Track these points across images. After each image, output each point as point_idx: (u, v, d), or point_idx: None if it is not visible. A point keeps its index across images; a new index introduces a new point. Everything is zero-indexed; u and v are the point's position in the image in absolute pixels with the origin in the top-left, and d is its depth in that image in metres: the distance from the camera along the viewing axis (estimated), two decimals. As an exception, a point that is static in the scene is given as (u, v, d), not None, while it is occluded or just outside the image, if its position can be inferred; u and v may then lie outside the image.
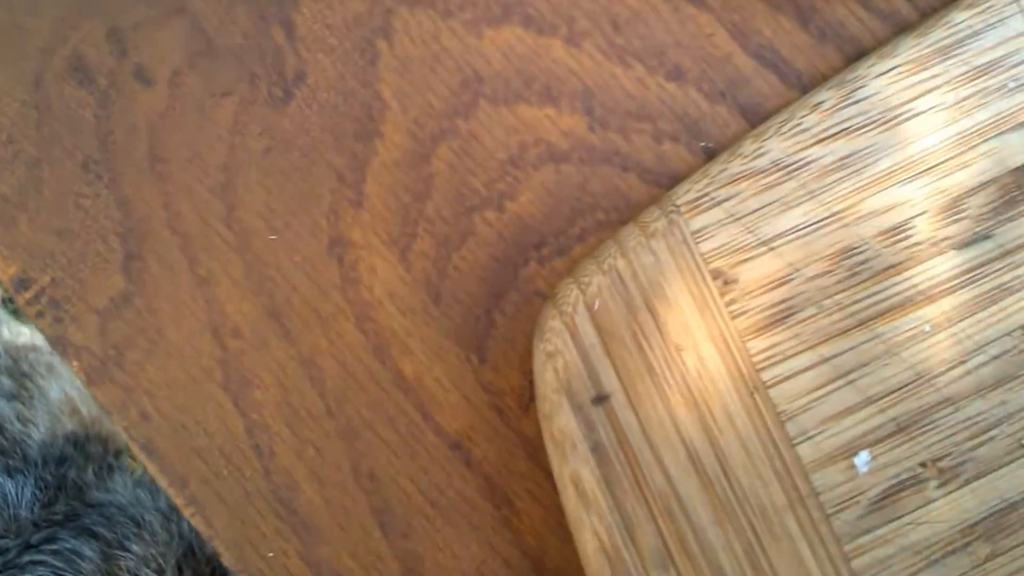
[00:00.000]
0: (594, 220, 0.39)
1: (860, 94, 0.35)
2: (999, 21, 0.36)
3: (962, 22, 0.36)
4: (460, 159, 0.39)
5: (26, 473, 0.66)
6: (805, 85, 0.39)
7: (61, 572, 0.61)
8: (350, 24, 0.39)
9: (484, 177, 0.39)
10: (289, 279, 0.38)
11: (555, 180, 0.39)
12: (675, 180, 0.38)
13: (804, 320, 0.33)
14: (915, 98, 0.35)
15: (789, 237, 0.34)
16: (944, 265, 0.34)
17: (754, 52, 0.39)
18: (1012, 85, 0.35)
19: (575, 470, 0.32)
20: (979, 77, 0.35)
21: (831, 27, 0.39)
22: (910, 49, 0.36)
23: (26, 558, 0.61)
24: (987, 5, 0.36)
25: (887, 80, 0.35)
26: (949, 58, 0.36)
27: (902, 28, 0.39)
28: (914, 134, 0.35)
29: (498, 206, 0.39)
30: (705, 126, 0.39)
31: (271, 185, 0.39)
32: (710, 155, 0.39)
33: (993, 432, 0.33)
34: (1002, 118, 0.35)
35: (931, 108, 0.35)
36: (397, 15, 0.39)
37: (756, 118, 0.39)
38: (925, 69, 0.35)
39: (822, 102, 0.35)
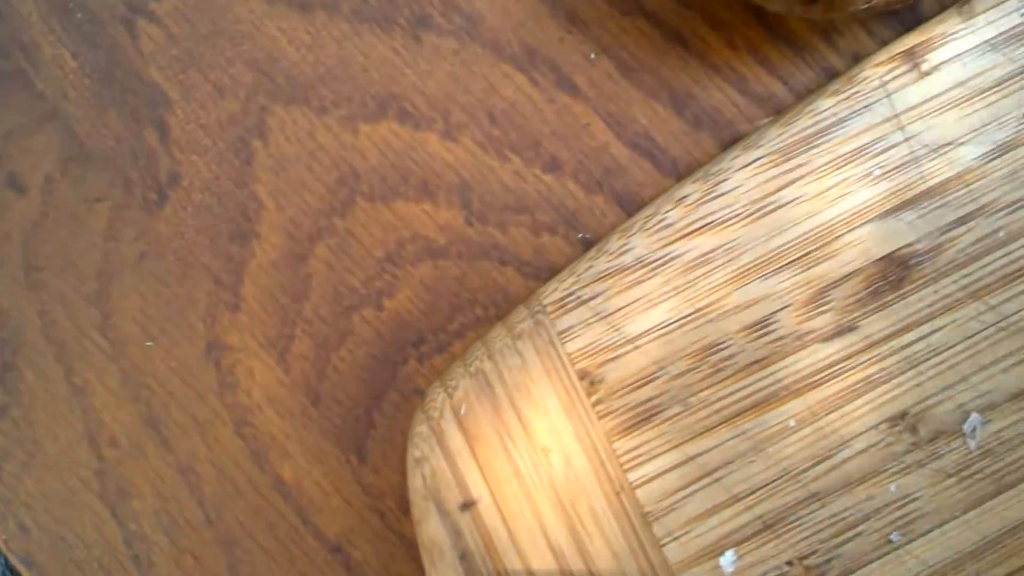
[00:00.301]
0: (473, 315, 0.38)
1: (724, 187, 0.35)
2: (865, 107, 0.36)
3: (827, 110, 0.36)
4: (337, 258, 0.39)
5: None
6: (680, 172, 0.39)
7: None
8: (224, 124, 0.39)
9: (362, 275, 0.38)
10: (166, 385, 0.38)
11: (433, 276, 0.38)
12: (553, 272, 0.38)
13: (669, 419, 0.33)
14: (779, 189, 0.35)
15: (654, 335, 0.34)
16: (809, 359, 0.34)
17: (630, 141, 0.39)
18: (877, 172, 0.36)
19: (443, 579, 0.32)
20: (844, 166, 0.36)
21: (706, 113, 0.39)
22: (775, 139, 0.36)
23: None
24: (853, 91, 0.36)
25: (751, 172, 0.35)
26: (814, 147, 0.36)
27: (778, 111, 0.39)
28: (778, 226, 0.35)
29: (376, 304, 0.38)
30: (582, 217, 0.39)
31: (146, 291, 0.38)
32: (588, 246, 0.39)
33: (860, 528, 0.33)
34: (867, 207, 0.35)
35: (795, 199, 0.35)
36: (272, 113, 0.39)
37: (633, 207, 0.39)
38: (789, 159, 0.35)
39: (686, 196, 0.35)
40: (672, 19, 0.39)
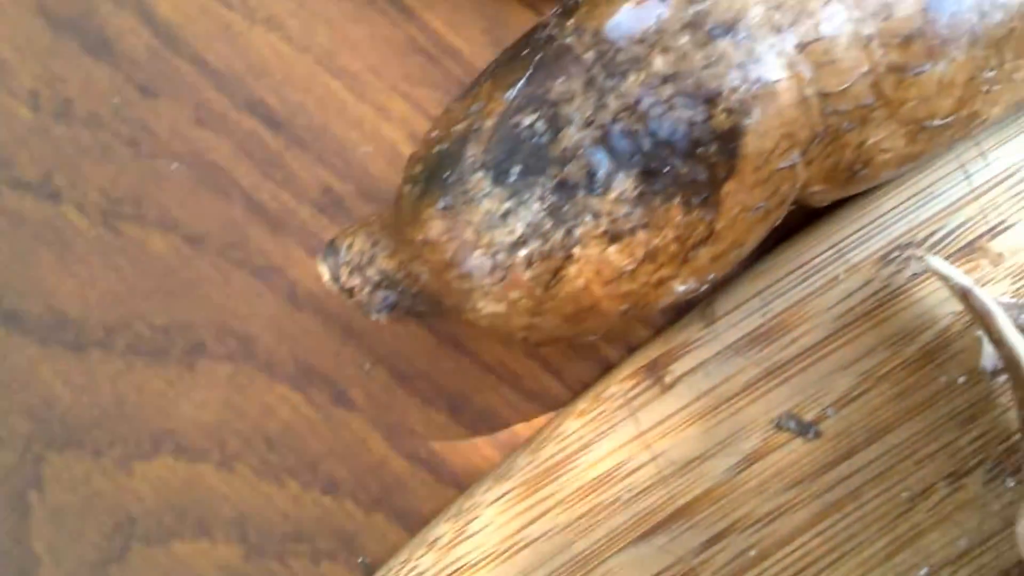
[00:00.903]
0: (252, 657, 0.38)
1: (475, 525, 0.35)
2: (610, 428, 0.36)
3: (573, 433, 0.36)
4: (116, 607, 0.38)
5: None
6: (461, 482, 0.39)
7: None
8: (0, 479, 0.39)
9: (140, 622, 0.38)
10: None
11: (211, 617, 0.38)
12: (332, 603, 0.38)
13: None
14: (529, 524, 0.35)
15: None
16: None
17: (408, 453, 0.39)
18: (626, 496, 0.35)
19: None
20: (593, 492, 0.35)
21: (483, 416, 0.39)
22: (524, 469, 0.35)
23: None
24: (599, 411, 0.36)
25: (501, 506, 0.35)
26: (562, 474, 0.35)
27: (553, 407, 0.39)
28: (528, 565, 0.34)
29: (155, 651, 0.38)
30: (362, 539, 0.39)
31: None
32: (367, 571, 0.38)
33: None
34: (618, 534, 0.35)
35: (545, 533, 0.35)
36: (47, 462, 0.39)
37: (413, 523, 0.39)
38: (538, 491, 0.35)
39: (439, 538, 0.35)
40: (446, 322, 0.38)
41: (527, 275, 0.30)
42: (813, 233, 0.37)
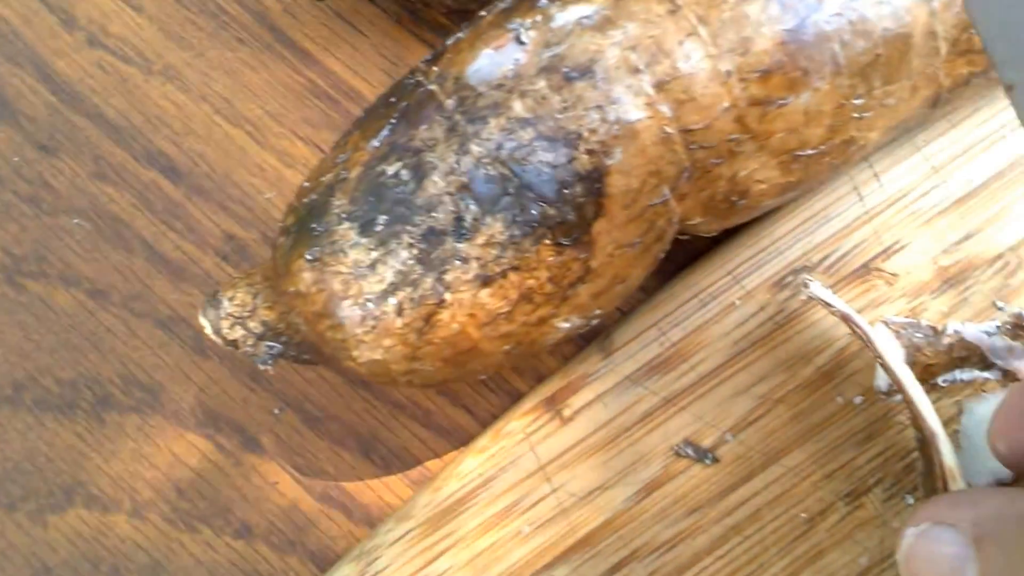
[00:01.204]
0: None
1: (377, 565, 0.35)
2: (510, 463, 0.36)
3: (473, 470, 0.36)
4: (32, 661, 0.39)
5: None
6: (373, 520, 0.39)
7: None
8: (-85, 538, 0.39)
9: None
10: None
11: (127, 668, 0.38)
12: (245, 650, 0.38)
13: None
14: (430, 562, 0.35)
15: None
16: None
17: (320, 494, 0.39)
18: (527, 530, 0.35)
19: None
20: (494, 527, 0.35)
21: (393, 453, 0.40)
22: (425, 508, 0.35)
23: None
24: (498, 447, 0.36)
25: (402, 547, 0.35)
26: (463, 512, 0.35)
27: (464, 442, 0.39)
28: (428, 605, 0.34)
29: None
30: (276, 582, 0.39)
31: None
32: (280, 615, 0.38)
33: None
34: (520, 568, 0.35)
35: (446, 571, 0.35)
36: (-38, 520, 0.39)
37: (327, 563, 0.39)
38: (439, 529, 0.35)
39: (340, 580, 0.35)
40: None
41: (399, 323, 0.30)
42: (709, 261, 0.37)
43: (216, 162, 0.42)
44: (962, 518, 0.25)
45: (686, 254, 0.38)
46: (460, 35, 0.32)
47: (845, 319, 0.33)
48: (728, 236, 0.38)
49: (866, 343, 0.33)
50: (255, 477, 0.39)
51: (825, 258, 0.37)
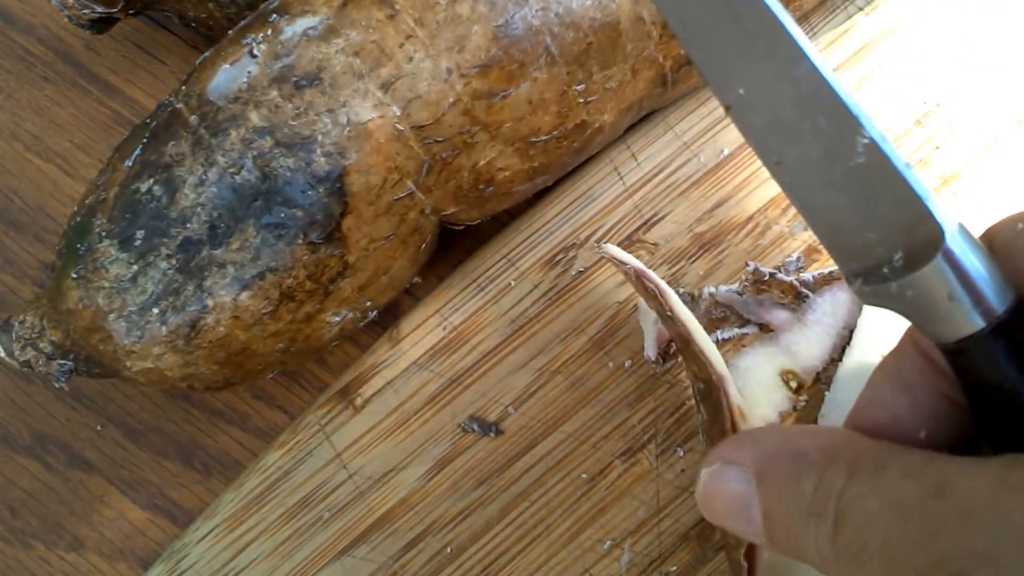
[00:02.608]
0: None
1: (185, 563, 0.37)
2: (308, 454, 0.38)
3: (273, 464, 0.38)
4: None
5: None
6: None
7: None
8: None
9: None
10: None
11: None
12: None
13: None
14: (236, 555, 0.37)
15: None
16: None
17: (146, 503, 0.41)
18: (327, 515, 0.37)
19: None
20: (296, 516, 0.37)
21: (214, 458, 0.42)
22: (229, 503, 0.38)
23: None
24: (295, 440, 0.38)
25: (209, 543, 0.37)
26: (265, 504, 0.38)
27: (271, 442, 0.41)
28: (235, 593, 0.36)
29: None
30: (108, 589, 0.41)
31: None
32: (113, 619, 0.40)
33: None
34: (323, 551, 0.37)
35: (252, 561, 0.37)
36: None
37: (155, 568, 0.41)
38: (243, 522, 0.37)
39: (149, 582, 0.37)
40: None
41: (164, 331, 0.33)
42: (486, 247, 0.40)
43: (30, 197, 0.44)
44: (745, 457, 0.27)
45: (480, 242, 0.41)
46: (206, 55, 0.34)
47: (638, 275, 0.36)
48: (505, 222, 0.40)
49: (656, 296, 0.35)
50: (83, 492, 0.41)
51: (592, 235, 0.40)
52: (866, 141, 0.23)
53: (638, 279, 0.36)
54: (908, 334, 0.27)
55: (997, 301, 0.22)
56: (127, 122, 0.44)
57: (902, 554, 0.21)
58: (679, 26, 0.25)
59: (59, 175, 0.44)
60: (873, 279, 0.24)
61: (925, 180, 0.37)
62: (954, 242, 0.22)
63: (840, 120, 0.23)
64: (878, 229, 0.23)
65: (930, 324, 0.23)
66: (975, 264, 0.22)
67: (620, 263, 0.36)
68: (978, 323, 0.22)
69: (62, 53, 0.45)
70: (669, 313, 0.35)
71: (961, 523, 0.21)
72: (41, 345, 0.35)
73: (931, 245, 0.22)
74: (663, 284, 0.36)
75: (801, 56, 0.24)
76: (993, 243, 0.24)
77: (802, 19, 0.40)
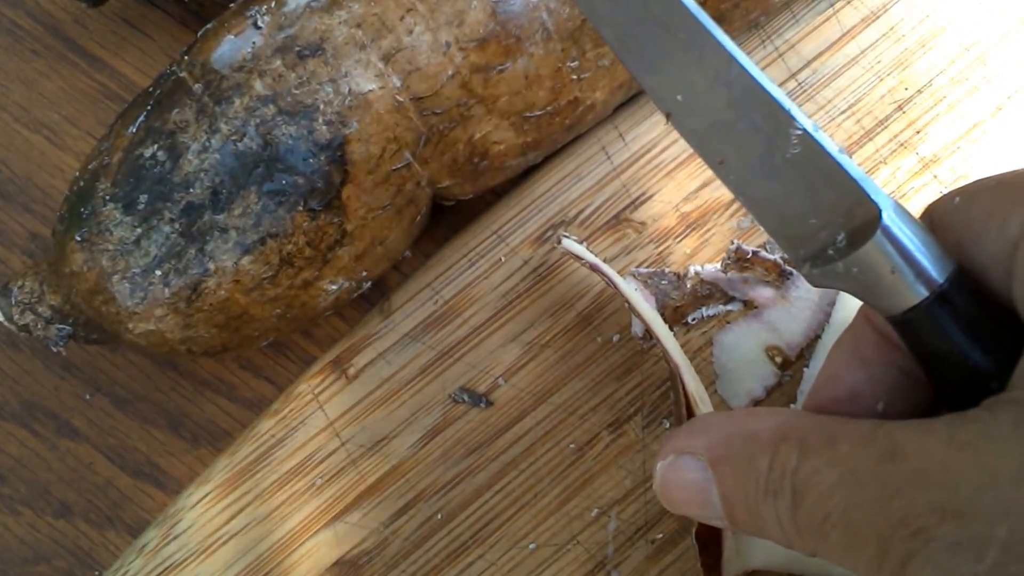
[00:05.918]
0: None
1: (179, 527, 0.38)
2: (301, 422, 0.39)
3: (267, 432, 0.39)
4: None
5: None
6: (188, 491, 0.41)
7: None
8: None
9: None
10: None
11: (-45, 650, 0.40)
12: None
13: None
14: (229, 520, 0.38)
15: None
16: None
17: (133, 470, 0.42)
18: (320, 482, 0.38)
19: None
20: (289, 482, 0.38)
21: (202, 427, 0.42)
22: (223, 470, 0.38)
23: None
24: (289, 408, 0.39)
25: (201, 508, 0.38)
26: (258, 471, 0.38)
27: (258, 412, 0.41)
28: (231, 556, 0.37)
29: None
30: (98, 555, 0.41)
31: None
32: (102, 585, 0.41)
33: None
34: (315, 516, 0.38)
35: (245, 527, 0.38)
36: None
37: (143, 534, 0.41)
38: (236, 488, 0.38)
39: (146, 544, 0.37)
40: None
41: (167, 292, 0.33)
42: (477, 223, 0.41)
43: (18, 167, 0.44)
44: (698, 445, 0.27)
45: (467, 220, 0.41)
46: (209, 26, 0.35)
47: (595, 269, 0.37)
48: (495, 200, 0.41)
49: (615, 290, 0.36)
50: (71, 460, 0.42)
51: (580, 213, 0.40)
52: (799, 132, 0.24)
53: (597, 272, 0.37)
54: (861, 312, 0.28)
55: (937, 271, 0.23)
56: (115, 95, 0.45)
57: (863, 520, 0.22)
58: (614, 40, 0.27)
59: (47, 146, 0.44)
60: (820, 262, 0.25)
61: (906, 164, 0.39)
62: (891, 219, 0.23)
63: (773, 115, 0.25)
64: (820, 214, 0.25)
65: (878, 298, 0.24)
66: (912, 238, 0.23)
67: (578, 257, 0.37)
68: (921, 293, 0.23)
69: (51, 27, 0.46)
70: (626, 305, 0.37)
71: (917, 483, 0.21)
72: (40, 309, 0.35)
73: (870, 224, 0.24)
74: (618, 278, 0.37)
75: (731, 60, 0.25)
76: (933, 217, 0.25)
77: (784, 5, 0.41)
